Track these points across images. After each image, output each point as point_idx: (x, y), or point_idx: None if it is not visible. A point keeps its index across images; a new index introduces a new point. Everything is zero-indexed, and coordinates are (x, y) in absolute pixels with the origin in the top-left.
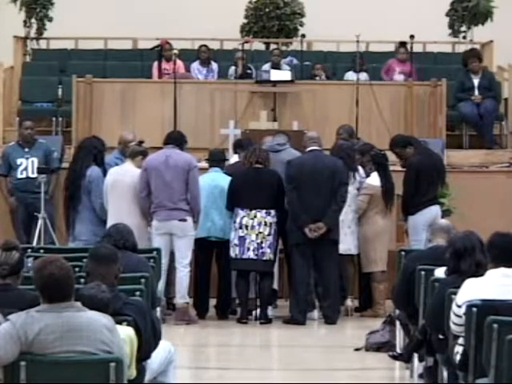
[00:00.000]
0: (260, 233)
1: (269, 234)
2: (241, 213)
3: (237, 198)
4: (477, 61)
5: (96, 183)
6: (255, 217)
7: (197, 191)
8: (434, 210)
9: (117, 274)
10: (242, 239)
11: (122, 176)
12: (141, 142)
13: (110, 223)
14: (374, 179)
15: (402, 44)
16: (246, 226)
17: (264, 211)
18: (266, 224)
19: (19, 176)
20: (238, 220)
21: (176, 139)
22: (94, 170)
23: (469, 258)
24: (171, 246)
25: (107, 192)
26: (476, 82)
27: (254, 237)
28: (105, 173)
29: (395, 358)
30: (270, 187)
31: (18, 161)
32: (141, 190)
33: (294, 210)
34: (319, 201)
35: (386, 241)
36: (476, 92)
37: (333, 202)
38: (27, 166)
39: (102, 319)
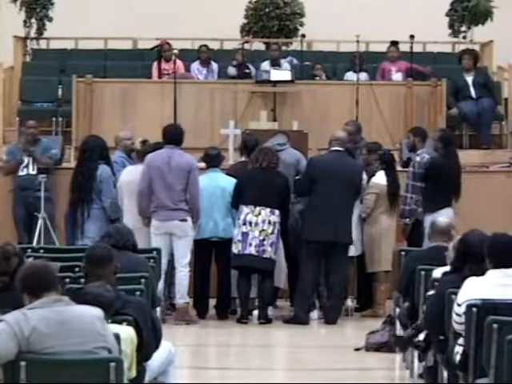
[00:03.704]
0: (263, 230)
1: (272, 233)
2: (245, 209)
3: (242, 196)
4: (470, 58)
5: (106, 182)
6: (259, 214)
7: (196, 192)
8: (450, 213)
9: (115, 272)
10: (244, 235)
11: (136, 176)
12: (144, 142)
13: (125, 221)
14: (380, 178)
15: (393, 43)
16: (250, 223)
17: (268, 210)
18: (269, 222)
19: (20, 173)
20: (242, 217)
21: (176, 139)
22: (103, 170)
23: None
24: (171, 245)
25: (122, 191)
26: (470, 79)
27: (256, 233)
28: (112, 171)
29: (396, 337)
30: (276, 187)
31: (21, 157)
32: (143, 186)
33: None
34: (336, 200)
35: (390, 241)
36: (471, 89)
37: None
38: (28, 164)
39: (92, 311)
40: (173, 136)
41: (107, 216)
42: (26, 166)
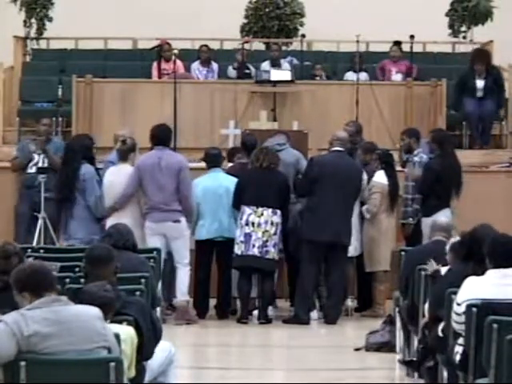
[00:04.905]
0: (266, 231)
1: (274, 234)
2: (247, 210)
3: (243, 196)
4: (482, 64)
5: (90, 181)
6: (262, 215)
7: (188, 191)
8: (448, 213)
9: (116, 272)
10: (247, 236)
11: (118, 176)
12: (124, 141)
13: (108, 223)
14: (381, 177)
15: (396, 43)
16: (253, 224)
17: (270, 210)
18: (272, 223)
19: (29, 170)
20: (244, 217)
21: (164, 140)
22: (87, 169)
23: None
24: (167, 246)
25: (105, 192)
26: (481, 83)
27: (260, 234)
28: (97, 170)
29: (406, 363)
30: (277, 187)
31: (32, 154)
32: (129, 186)
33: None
34: (336, 200)
35: (389, 240)
36: (479, 92)
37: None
38: (38, 162)
39: (91, 310)
40: (161, 137)
41: (93, 215)
42: (35, 164)
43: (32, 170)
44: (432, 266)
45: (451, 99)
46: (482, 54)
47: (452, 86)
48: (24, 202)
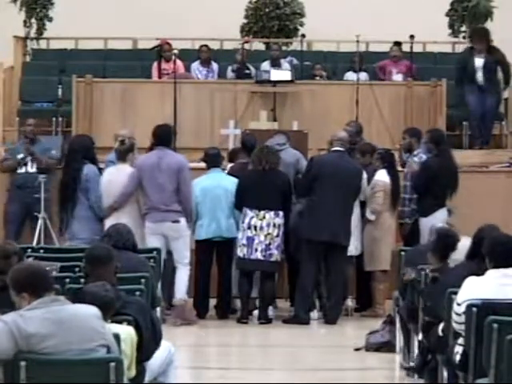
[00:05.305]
0: (268, 234)
1: (277, 236)
2: (249, 213)
3: (245, 198)
4: (482, 43)
5: (93, 182)
6: (264, 218)
7: (188, 192)
8: (445, 213)
9: (116, 272)
10: (250, 240)
11: (117, 176)
12: (122, 141)
13: (107, 223)
14: (383, 176)
15: (396, 43)
16: (255, 227)
17: (272, 212)
18: (274, 225)
19: (19, 171)
20: (246, 220)
21: (165, 140)
22: (89, 169)
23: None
24: (167, 246)
25: (103, 192)
26: (480, 62)
27: (262, 237)
28: (99, 170)
29: (407, 369)
30: (278, 188)
31: (20, 156)
32: (129, 185)
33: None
34: (335, 200)
35: (390, 240)
36: (480, 74)
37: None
38: (27, 162)
39: (89, 309)
40: (162, 137)
41: (96, 215)
42: (25, 165)
43: (22, 170)
44: (410, 274)
45: (452, 97)
46: (481, 32)
47: (452, 86)
48: (14, 202)
